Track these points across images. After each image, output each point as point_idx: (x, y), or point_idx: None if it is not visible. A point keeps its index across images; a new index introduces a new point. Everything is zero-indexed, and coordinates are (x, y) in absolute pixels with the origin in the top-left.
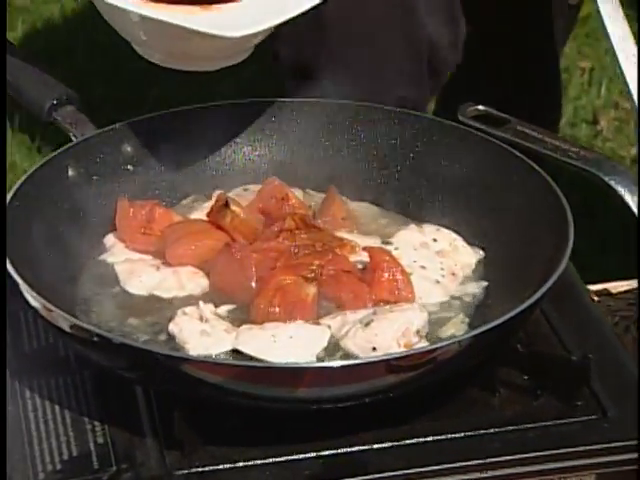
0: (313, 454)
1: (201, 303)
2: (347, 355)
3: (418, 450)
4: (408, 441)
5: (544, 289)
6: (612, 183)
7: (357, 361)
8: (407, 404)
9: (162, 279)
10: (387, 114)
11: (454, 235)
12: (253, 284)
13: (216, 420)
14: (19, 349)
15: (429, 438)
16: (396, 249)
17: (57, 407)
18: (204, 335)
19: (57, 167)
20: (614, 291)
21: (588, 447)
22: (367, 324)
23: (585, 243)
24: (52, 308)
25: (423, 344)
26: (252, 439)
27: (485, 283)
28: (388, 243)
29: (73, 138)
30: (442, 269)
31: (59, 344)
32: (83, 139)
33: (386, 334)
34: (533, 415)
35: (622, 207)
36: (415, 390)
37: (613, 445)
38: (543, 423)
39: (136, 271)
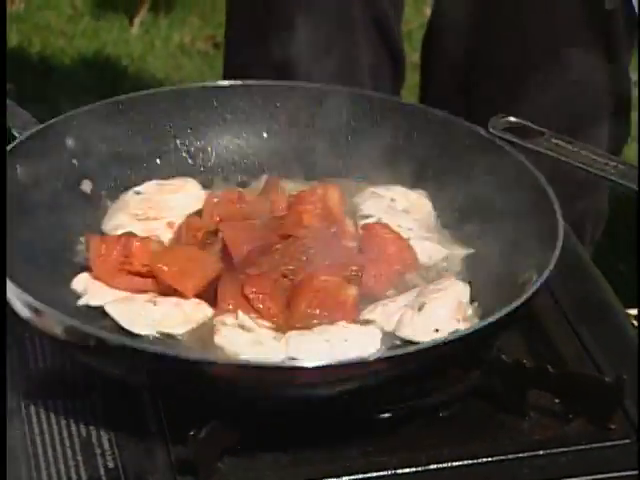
0: None
1: (240, 312)
2: (408, 342)
3: (443, 476)
4: (433, 466)
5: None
6: None
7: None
8: (432, 427)
9: (164, 314)
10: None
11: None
12: None
13: (234, 442)
14: (24, 370)
15: (455, 463)
16: (379, 219)
17: (65, 430)
18: (257, 344)
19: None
20: None
21: (623, 473)
22: (420, 308)
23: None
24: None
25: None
26: (276, 463)
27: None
28: (368, 216)
29: (16, 134)
30: (420, 226)
31: (66, 364)
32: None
33: (443, 313)
34: (564, 439)
35: None
36: (442, 410)
37: None
38: (575, 447)
39: (133, 310)
